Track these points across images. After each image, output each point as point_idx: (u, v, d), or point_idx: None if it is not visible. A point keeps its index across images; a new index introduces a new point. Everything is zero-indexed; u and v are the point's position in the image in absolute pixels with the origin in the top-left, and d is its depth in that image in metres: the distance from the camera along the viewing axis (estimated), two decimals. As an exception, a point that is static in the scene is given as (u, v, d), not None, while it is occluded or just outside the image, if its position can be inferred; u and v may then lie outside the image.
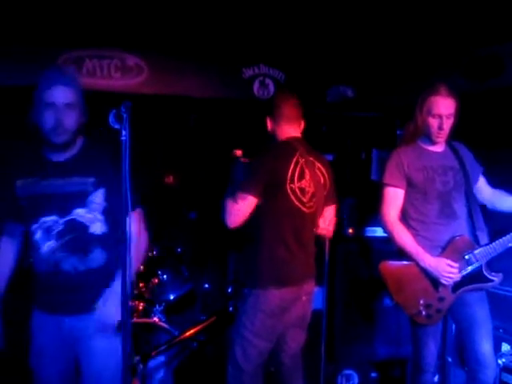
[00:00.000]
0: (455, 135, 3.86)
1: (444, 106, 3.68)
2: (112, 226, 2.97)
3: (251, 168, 3.77)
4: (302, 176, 3.74)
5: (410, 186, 3.80)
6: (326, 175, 3.96)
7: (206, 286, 5.04)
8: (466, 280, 3.72)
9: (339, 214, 4.88)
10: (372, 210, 5.18)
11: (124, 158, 2.35)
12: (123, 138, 2.35)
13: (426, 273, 3.72)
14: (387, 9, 4.97)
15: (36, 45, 5.54)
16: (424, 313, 3.73)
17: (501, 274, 3.75)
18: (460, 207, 3.78)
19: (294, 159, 3.74)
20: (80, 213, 2.92)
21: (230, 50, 6.00)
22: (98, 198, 2.93)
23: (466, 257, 3.71)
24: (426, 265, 3.70)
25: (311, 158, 3.86)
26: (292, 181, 3.70)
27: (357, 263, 5.09)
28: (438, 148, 3.86)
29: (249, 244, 3.80)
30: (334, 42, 5.83)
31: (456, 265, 3.68)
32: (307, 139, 4.03)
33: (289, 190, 3.69)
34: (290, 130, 3.91)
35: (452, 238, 3.72)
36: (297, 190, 3.73)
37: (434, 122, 3.72)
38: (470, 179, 3.82)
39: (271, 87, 6.41)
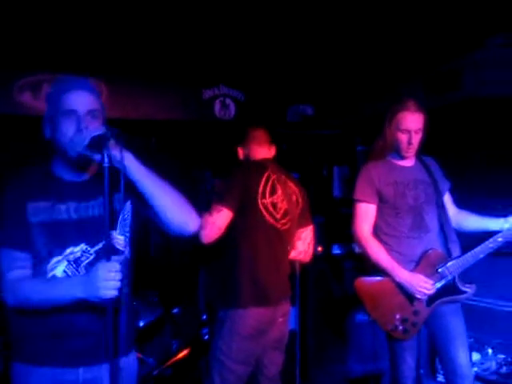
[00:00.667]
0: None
1: (413, 121, 3.71)
2: (131, 247, 2.58)
3: (225, 183, 3.76)
4: (273, 191, 3.76)
5: (382, 201, 3.81)
6: (298, 193, 3.97)
7: (176, 310, 4.95)
8: (440, 293, 3.72)
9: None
10: (338, 227, 5.20)
11: (106, 185, 2.22)
12: (105, 165, 2.21)
13: (400, 287, 3.72)
14: (344, 28, 5.00)
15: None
16: (401, 327, 3.73)
17: (474, 286, 3.78)
18: (432, 220, 3.80)
19: (266, 174, 3.77)
20: (113, 236, 2.47)
21: (189, 71, 5.97)
22: (127, 215, 2.54)
23: (440, 270, 3.73)
24: (402, 279, 3.69)
25: (283, 176, 3.87)
26: (264, 196, 3.71)
27: (327, 281, 5.08)
28: (408, 162, 3.88)
29: (224, 262, 3.75)
30: (293, 62, 5.84)
31: (430, 281, 3.68)
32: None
33: (261, 206, 3.69)
34: (262, 151, 3.94)
35: (425, 251, 3.73)
36: (269, 205, 3.72)
37: (403, 137, 3.74)
38: (440, 192, 3.86)
39: (232, 108, 6.40)
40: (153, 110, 6.02)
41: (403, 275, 3.69)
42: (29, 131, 5.58)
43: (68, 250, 2.39)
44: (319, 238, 5.07)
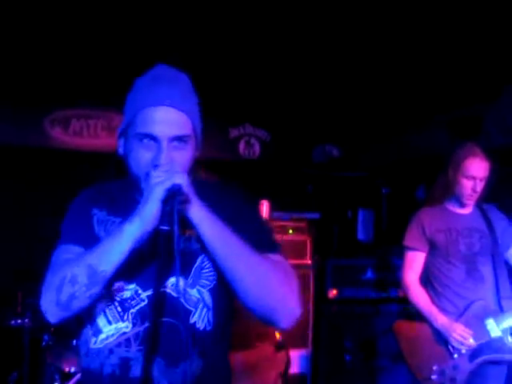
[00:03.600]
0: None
1: (480, 169, 3.58)
2: (220, 315, 1.81)
3: None
4: None
5: (433, 248, 3.68)
6: None
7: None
8: (485, 349, 3.49)
9: (323, 275, 4.88)
10: (357, 270, 5.16)
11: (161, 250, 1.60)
12: (163, 228, 1.60)
13: (440, 336, 3.54)
14: (371, 70, 5.04)
15: (22, 104, 5.56)
16: (436, 379, 3.49)
17: None
18: (487, 271, 3.60)
19: None
20: (178, 285, 1.72)
21: (216, 110, 6.04)
22: (209, 262, 1.78)
23: (487, 324, 3.52)
24: (439, 324, 3.52)
25: None
26: None
27: (341, 325, 5.00)
28: (466, 210, 3.73)
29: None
30: (319, 102, 5.88)
31: (470, 331, 3.49)
32: (293, 198, 4.03)
33: None
34: None
35: (473, 302, 3.54)
36: None
37: (467, 184, 3.60)
38: (498, 244, 3.66)
39: (257, 147, 6.43)
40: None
41: (441, 320, 3.51)
42: (59, 165, 5.78)
43: (116, 285, 1.74)
44: (335, 281, 5.03)
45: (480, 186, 3.59)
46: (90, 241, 1.76)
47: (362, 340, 3.76)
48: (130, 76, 1.95)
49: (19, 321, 4.20)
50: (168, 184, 1.59)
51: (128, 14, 4.24)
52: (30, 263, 3.94)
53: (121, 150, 1.82)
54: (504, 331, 3.50)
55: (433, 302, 3.61)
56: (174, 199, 1.60)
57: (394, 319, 4.40)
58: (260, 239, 1.75)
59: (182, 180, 1.61)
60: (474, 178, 3.59)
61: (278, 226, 4.98)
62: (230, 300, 1.83)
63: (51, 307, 1.69)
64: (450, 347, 3.50)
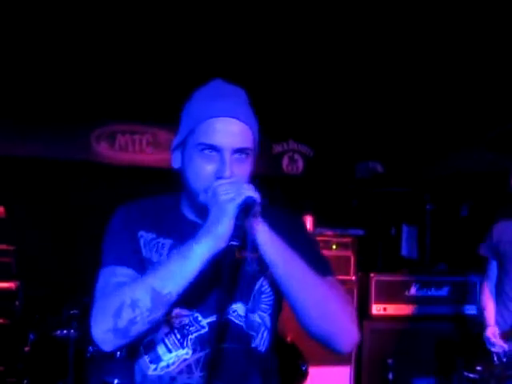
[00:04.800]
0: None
1: None
2: (274, 337, 1.81)
3: None
4: None
5: (499, 259, 3.79)
6: None
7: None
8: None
9: (367, 292, 4.84)
10: (401, 286, 5.09)
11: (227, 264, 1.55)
12: (233, 244, 1.53)
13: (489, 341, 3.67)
14: (415, 87, 5.03)
15: (69, 120, 5.69)
16: (475, 378, 3.65)
17: None
18: None
19: None
20: (240, 311, 1.72)
21: (260, 125, 6.07)
22: (268, 286, 1.76)
23: None
24: (487, 326, 3.69)
25: None
26: None
27: (384, 342, 4.94)
28: None
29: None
30: (362, 118, 5.87)
31: (500, 341, 3.59)
32: (338, 214, 4.02)
33: None
34: None
35: None
36: None
37: None
38: None
39: (300, 163, 6.44)
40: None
41: (488, 327, 3.67)
42: (105, 179, 5.88)
43: (174, 311, 1.68)
44: (379, 297, 4.98)
45: None
46: (139, 264, 1.70)
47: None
48: (176, 92, 1.96)
49: (64, 331, 4.25)
50: (240, 199, 1.52)
51: (175, 32, 4.32)
52: (75, 274, 4.00)
53: (176, 164, 1.74)
54: None
55: (499, 311, 3.74)
56: (247, 214, 1.53)
57: (437, 337, 4.35)
58: (316, 261, 1.70)
59: (254, 193, 1.55)
60: None
61: (321, 241, 4.96)
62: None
63: (107, 335, 1.58)
64: (494, 353, 3.57)
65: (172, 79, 4.82)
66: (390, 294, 5.02)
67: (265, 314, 1.76)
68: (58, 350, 4.24)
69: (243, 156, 1.65)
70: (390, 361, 4.78)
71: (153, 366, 1.72)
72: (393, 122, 5.87)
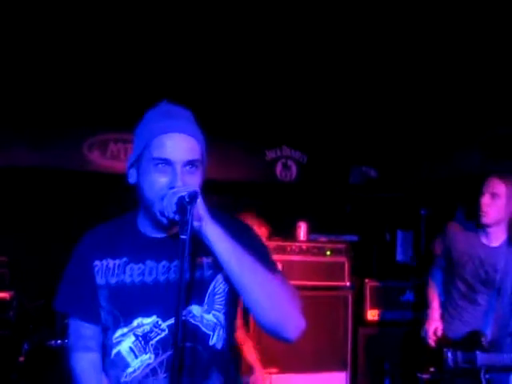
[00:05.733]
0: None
1: (490, 185, 3.66)
2: (231, 335, 1.98)
3: None
4: None
5: (447, 262, 3.91)
6: None
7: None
8: (465, 372, 3.63)
9: (362, 297, 4.85)
10: (396, 292, 5.10)
11: (182, 259, 1.65)
12: (183, 237, 1.65)
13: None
14: (407, 92, 5.04)
15: (61, 128, 5.68)
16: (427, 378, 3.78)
17: None
18: (484, 300, 3.72)
19: None
20: (195, 312, 1.87)
21: (252, 133, 6.07)
22: (221, 287, 1.92)
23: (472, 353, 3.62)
24: (428, 312, 3.91)
25: None
26: None
27: (380, 347, 4.95)
28: (494, 241, 3.76)
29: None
30: (355, 124, 5.88)
31: (435, 335, 3.80)
32: (332, 220, 4.03)
33: None
34: None
35: (470, 329, 3.69)
36: None
37: (479, 200, 3.68)
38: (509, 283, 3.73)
39: (293, 169, 6.44)
40: (215, 169, 6.10)
41: (432, 312, 3.88)
42: (97, 188, 5.87)
43: (136, 322, 1.87)
44: (374, 303, 4.99)
45: (488, 200, 3.63)
46: (93, 299, 1.91)
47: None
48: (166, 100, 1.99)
49: (59, 341, 4.25)
50: (184, 190, 1.71)
51: (166, 41, 4.32)
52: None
53: (132, 180, 1.89)
54: (481, 365, 3.58)
55: (443, 309, 3.91)
56: (191, 205, 1.68)
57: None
58: (264, 260, 1.85)
59: (197, 189, 1.75)
60: (483, 193, 3.66)
61: (315, 247, 4.96)
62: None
63: None
64: (444, 357, 3.70)
65: (164, 88, 4.81)
66: (385, 300, 5.02)
67: (219, 314, 1.91)
68: (52, 360, 4.23)
69: (193, 168, 1.81)
70: (386, 366, 4.79)
71: (124, 374, 1.89)
72: (386, 127, 5.88)
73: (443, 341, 3.77)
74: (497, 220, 3.67)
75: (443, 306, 3.89)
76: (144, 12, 3.90)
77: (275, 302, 1.79)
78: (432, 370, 3.73)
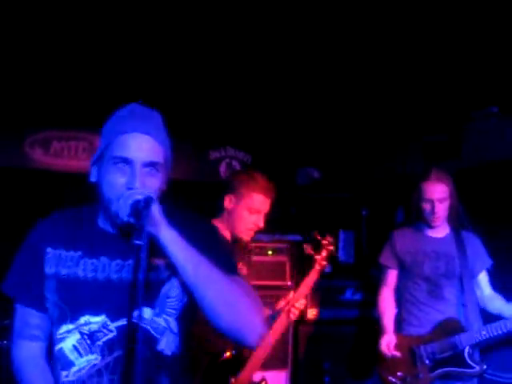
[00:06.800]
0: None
1: (434, 192, 3.75)
2: (185, 341, 1.93)
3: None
4: None
5: (401, 268, 3.95)
6: None
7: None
8: (446, 361, 3.68)
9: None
10: (336, 291, 5.17)
11: (138, 265, 1.60)
12: (137, 242, 1.61)
13: (410, 346, 3.77)
14: (350, 95, 5.10)
15: (2, 126, 5.57)
16: None
17: (483, 365, 3.68)
18: (450, 293, 3.80)
19: None
20: (146, 315, 1.80)
21: (196, 133, 6.06)
22: (175, 291, 1.88)
23: (453, 339, 3.68)
24: (382, 335, 3.86)
25: None
26: None
27: (320, 346, 5.01)
28: (439, 233, 3.91)
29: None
30: (300, 125, 5.92)
31: (390, 350, 3.78)
32: (276, 220, 4.02)
33: None
34: None
35: (442, 319, 3.75)
36: None
37: (426, 207, 3.80)
38: (468, 269, 3.81)
39: (238, 169, 6.45)
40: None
41: (385, 334, 3.85)
42: (39, 185, 5.76)
43: (83, 319, 1.81)
44: (314, 302, 5.04)
45: (439, 208, 3.76)
46: (42, 296, 1.88)
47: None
48: (112, 99, 1.98)
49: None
50: (141, 194, 1.70)
51: (114, 43, 4.28)
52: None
53: (93, 178, 1.87)
54: (464, 346, 3.66)
55: (402, 315, 3.90)
56: (146, 210, 1.66)
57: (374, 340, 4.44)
58: (223, 261, 1.81)
59: (153, 194, 1.72)
60: (430, 201, 3.76)
61: (257, 247, 4.99)
62: (191, 326, 1.96)
63: None
64: (416, 357, 3.71)
65: (110, 86, 4.77)
66: (325, 299, 5.09)
67: (170, 318, 1.86)
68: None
69: (153, 170, 1.79)
70: (326, 364, 4.85)
71: (64, 373, 1.83)
72: (329, 128, 5.94)
73: (412, 341, 3.79)
74: (445, 216, 3.83)
75: (406, 311, 3.88)
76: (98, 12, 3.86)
77: (232, 309, 1.74)
78: (400, 374, 3.75)
